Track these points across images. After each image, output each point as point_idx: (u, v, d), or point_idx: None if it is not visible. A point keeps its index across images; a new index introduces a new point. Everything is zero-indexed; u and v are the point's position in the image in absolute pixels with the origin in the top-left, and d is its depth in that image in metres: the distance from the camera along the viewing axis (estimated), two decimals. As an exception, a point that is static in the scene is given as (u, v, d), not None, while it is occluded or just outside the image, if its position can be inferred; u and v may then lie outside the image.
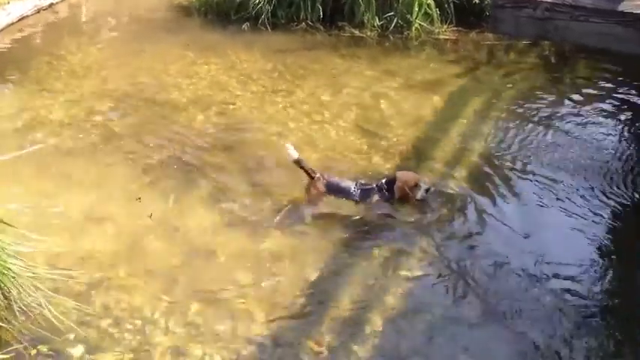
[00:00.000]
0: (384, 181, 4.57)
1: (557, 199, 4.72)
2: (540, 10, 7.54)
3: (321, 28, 7.67)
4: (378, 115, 5.90)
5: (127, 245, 4.15)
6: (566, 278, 3.99)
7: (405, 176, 4.57)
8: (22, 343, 3.32)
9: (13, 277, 3.44)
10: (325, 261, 4.09)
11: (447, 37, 7.56)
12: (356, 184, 4.59)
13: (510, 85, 6.65)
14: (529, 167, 5.13)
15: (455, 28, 7.65)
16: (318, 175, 4.57)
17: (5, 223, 3.52)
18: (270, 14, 7.70)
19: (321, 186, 4.55)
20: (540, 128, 5.71)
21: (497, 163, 5.20)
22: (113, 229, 4.29)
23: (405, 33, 7.53)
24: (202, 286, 3.85)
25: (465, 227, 4.46)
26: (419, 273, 4.01)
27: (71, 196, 4.60)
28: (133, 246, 4.15)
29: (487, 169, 5.12)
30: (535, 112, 6.01)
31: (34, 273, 3.57)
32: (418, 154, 5.33)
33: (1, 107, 5.77)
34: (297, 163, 4.60)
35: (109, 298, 3.69)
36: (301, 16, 7.73)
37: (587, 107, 6.14)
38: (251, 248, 4.19)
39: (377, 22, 7.56)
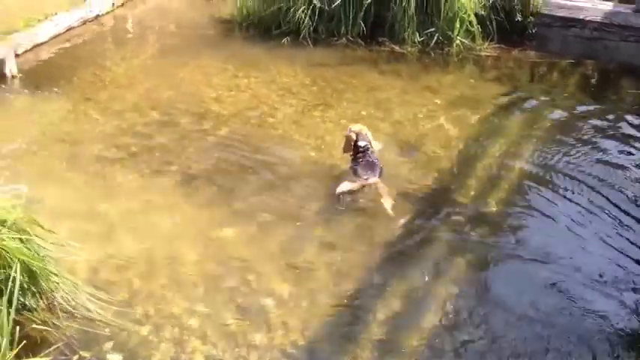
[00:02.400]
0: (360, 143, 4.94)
1: (600, 221, 4.64)
2: (589, 29, 7.44)
3: (362, 43, 7.67)
4: (416, 131, 5.87)
5: (165, 254, 4.19)
6: (609, 299, 3.91)
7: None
8: (64, 346, 3.38)
9: (56, 283, 3.51)
10: (363, 275, 4.08)
11: (488, 54, 7.49)
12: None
13: (552, 104, 6.56)
14: (570, 188, 5.02)
15: (497, 46, 7.57)
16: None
17: (48, 230, 3.59)
18: (311, 29, 7.75)
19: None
20: (582, 149, 5.60)
21: (537, 183, 5.11)
22: (152, 239, 4.34)
23: (446, 49, 7.47)
24: (239, 296, 3.88)
25: (503, 247, 4.41)
26: (459, 291, 3.97)
27: (111, 205, 4.67)
28: (172, 255, 4.19)
29: (527, 189, 5.05)
30: (577, 133, 5.90)
31: (75, 279, 3.64)
32: (457, 172, 5.29)
33: (46, 115, 5.91)
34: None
35: (148, 306, 3.73)
36: (342, 31, 7.73)
37: (632, 128, 6.02)
38: (287, 261, 4.20)
39: (417, 38, 7.52)
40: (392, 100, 6.44)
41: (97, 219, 4.49)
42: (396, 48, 7.56)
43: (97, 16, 8.20)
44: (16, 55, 6.77)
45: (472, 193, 5.00)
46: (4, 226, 3.34)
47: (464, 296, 3.94)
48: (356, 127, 5.06)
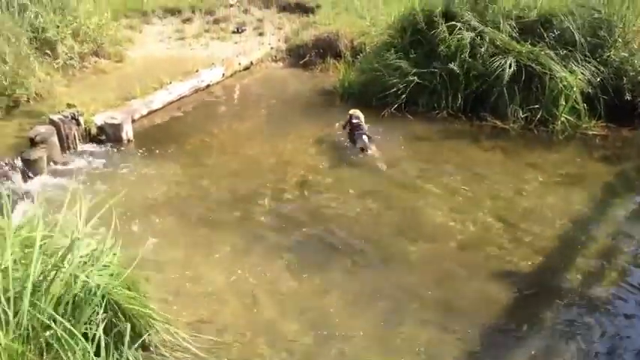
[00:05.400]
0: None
1: None
2: None
3: (463, 117, 7.65)
4: (519, 209, 5.73)
5: (265, 319, 4.24)
6: None
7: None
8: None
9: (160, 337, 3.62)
10: (461, 356, 3.95)
11: (595, 133, 7.26)
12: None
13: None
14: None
15: (604, 124, 7.36)
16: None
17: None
18: (411, 102, 7.82)
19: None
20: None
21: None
22: (253, 304, 4.40)
23: (550, 126, 7.31)
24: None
25: (611, 333, 4.18)
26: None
27: (215, 267, 4.81)
28: (271, 321, 4.23)
29: (636, 274, 4.80)
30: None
31: (177, 336, 3.75)
32: (563, 252, 5.10)
33: (157, 177, 6.21)
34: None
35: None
36: (442, 105, 7.75)
37: None
38: (385, 333, 4.15)
39: (521, 114, 7.41)
40: (493, 177, 6.33)
41: (200, 281, 4.62)
42: (498, 123, 7.48)
43: (208, 86, 8.66)
44: (133, 121, 7.22)
45: (578, 276, 4.79)
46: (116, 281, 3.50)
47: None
48: (352, 110, 7.18)
